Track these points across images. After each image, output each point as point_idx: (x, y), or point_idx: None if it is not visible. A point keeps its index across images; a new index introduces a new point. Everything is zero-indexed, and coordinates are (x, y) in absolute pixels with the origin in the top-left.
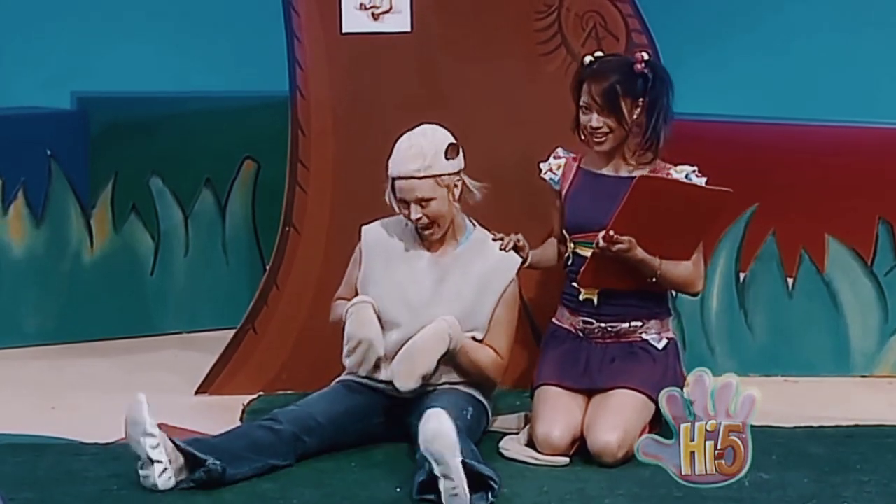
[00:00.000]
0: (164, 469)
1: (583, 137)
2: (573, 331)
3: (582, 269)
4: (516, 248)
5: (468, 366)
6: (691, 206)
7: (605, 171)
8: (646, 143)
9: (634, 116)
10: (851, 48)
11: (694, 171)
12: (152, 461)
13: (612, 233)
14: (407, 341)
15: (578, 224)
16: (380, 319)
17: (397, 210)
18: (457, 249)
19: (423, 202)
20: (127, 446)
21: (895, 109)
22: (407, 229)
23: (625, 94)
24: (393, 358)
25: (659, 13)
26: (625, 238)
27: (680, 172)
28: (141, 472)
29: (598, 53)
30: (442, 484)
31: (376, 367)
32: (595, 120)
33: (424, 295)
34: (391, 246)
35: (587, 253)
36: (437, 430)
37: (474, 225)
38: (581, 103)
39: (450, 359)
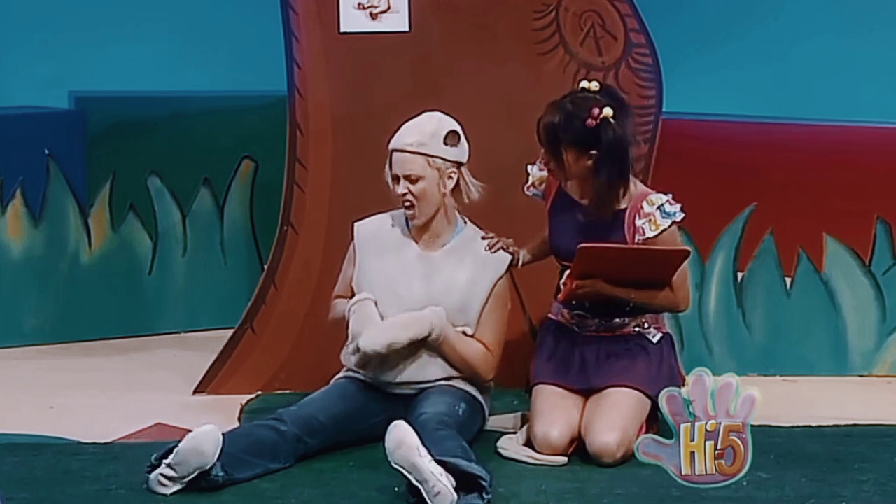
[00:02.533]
0: (172, 486)
1: None
2: (568, 325)
3: (560, 295)
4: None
5: (456, 359)
6: (645, 263)
7: (576, 195)
8: (603, 198)
9: (581, 166)
10: (849, 49)
11: (668, 201)
12: (181, 482)
13: (573, 287)
14: None
15: (559, 250)
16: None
17: (391, 185)
18: (447, 245)
19: (411, 179)
20: (127, 446)
21: (893, 109)
22: (398, 223)
23: (567, 143)
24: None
25: (658, 13)
26: (587, 282)
27: (653, 205)
28: (162, 478)
29: (586, 84)
30: (422, 489)
31: (380, 364)
32: (542, 151)
33: (414, 289)
34: (383, 240)
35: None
36: (397, 440)
37: (465, 222)
38: None
39: (435, 351)
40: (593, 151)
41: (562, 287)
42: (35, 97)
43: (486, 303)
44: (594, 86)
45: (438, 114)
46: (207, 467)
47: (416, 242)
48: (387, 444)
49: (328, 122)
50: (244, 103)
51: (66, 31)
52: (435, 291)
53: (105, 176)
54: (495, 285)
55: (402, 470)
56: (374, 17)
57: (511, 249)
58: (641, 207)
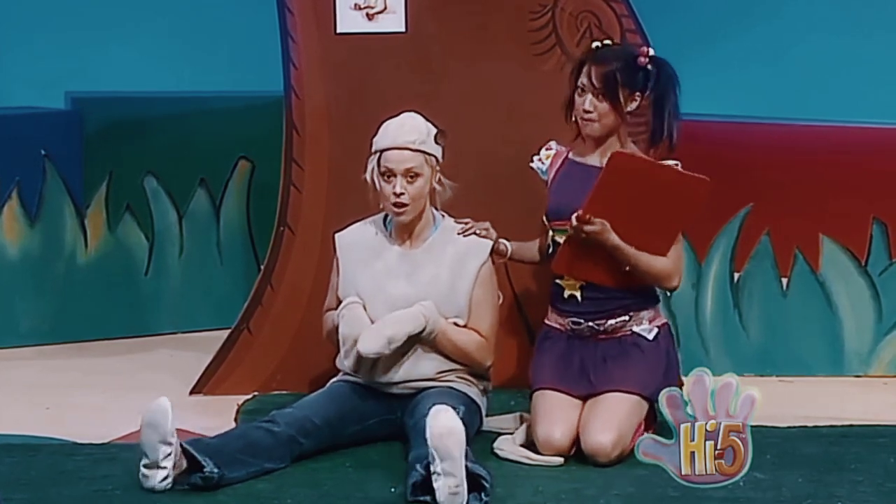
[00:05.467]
0: (167, 476)
1: (574, 120)
2: (564, 331)
3: (557, 254)
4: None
5: (452, 350)
6: (667, 192)
7: (591, 161)
8: (656, 140)
9: (630, 108)
10: (848, 49)
11: (677, 165)
12: (159, 466)
13: (587, 215)
14: None
15: (558, 211)
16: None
17: (378, 186)
18: (427, 240)
19: (410, 176)
20: (124, 446)
21: (890, 109)
22: (377, 227)
23: (623, 84)
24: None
25: (655, 14)
26: (598, 220)
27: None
28: (143, 470)
29: (607, 41)
30: (442, 481)
31: (373, 365)
32: (588, 103)
33: (401, 287)
34: (365, 245)
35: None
36: (449, 427)
37: (443, 216)
38: (578, 84)
39: (432, 345)
40: (637, 93)
41: (573, 221)
42: (31, 98)
43: (472, 290)
44: (608, 42)
45: (416, 114)
46: (168, 438)
47: (398, 243)
48: (430, 424)
49: (325, 122)
50: (241, 104)
51: (62, 32)
52: (421, 287)
53: (101, 176)
54: (479, 271)
55: (434, 452)
56: (370, 17)
57: (484, 234)
58: None
